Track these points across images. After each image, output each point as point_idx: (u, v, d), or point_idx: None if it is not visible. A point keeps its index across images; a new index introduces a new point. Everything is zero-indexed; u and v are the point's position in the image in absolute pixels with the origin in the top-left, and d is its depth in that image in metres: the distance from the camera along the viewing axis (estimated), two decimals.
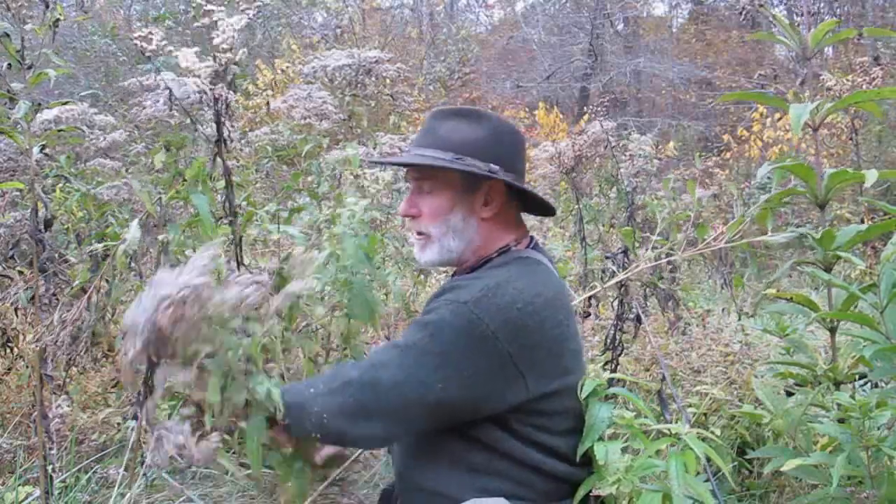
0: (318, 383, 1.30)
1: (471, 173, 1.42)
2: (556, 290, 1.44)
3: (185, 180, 2.01)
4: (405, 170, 1.56)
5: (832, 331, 1.86)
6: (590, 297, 3.36)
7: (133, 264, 2.23)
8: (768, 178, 1.92)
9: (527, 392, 1.35)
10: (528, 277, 1.40)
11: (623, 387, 2.50)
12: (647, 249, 2.33)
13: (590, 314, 3.66)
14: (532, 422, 1.38)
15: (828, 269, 1.81)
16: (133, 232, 1.84)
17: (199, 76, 1.91)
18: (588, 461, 1.44)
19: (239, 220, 2.17)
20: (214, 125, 2.00)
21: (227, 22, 1.93)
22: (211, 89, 1.92)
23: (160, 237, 1.92)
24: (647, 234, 3.81)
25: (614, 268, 2.64)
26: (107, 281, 2.20)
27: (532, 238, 1.55)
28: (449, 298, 1.34)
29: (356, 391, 1.27)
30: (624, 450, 1.44)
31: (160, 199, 2.05)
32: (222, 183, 2.49)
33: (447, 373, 1.28)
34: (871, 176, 1.69)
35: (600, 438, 1.40)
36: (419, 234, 1.48)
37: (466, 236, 1.46)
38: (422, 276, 3.72)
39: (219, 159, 2.04)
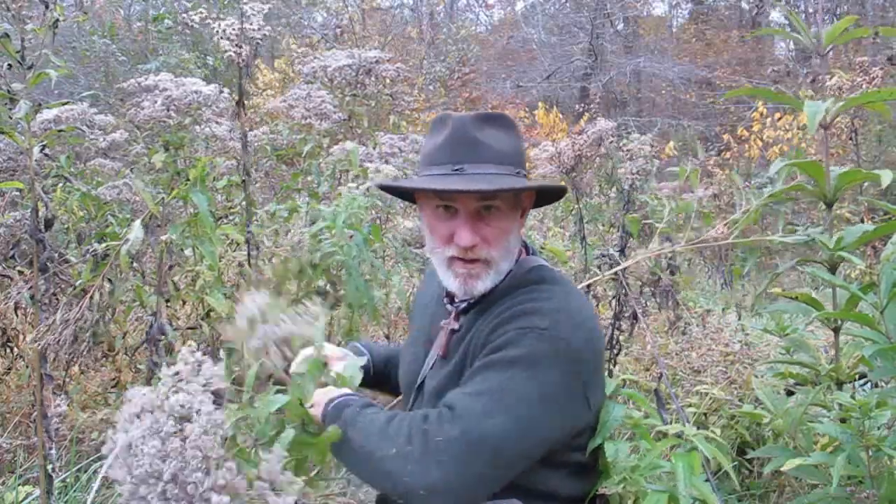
0: (394, 443, 1.12)
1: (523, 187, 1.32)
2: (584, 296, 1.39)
3: (188, 180, 2.02)
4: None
5: (836, 330, 1.86)
6: (588, 286, 3.36)
7: (135, 264, 2.23)
8: (769, 177, 1.93)
9: (589, 412, 1.30)
10: (568, 291, 1.34)
11: (623, 386, 2.50)
12: (652, 243, 2.32)
13: None
14: (570, 443, 1.32)
15: (832, 270, 1.81)
16: (136, 232, 1.84)
17: (228, 38, 1.95)
18: (595, 462, 1.43)
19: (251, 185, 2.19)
20: (237, 87, 2.05)
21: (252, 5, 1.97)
22: (237, 52, 1.94)
23: (163, 237, 1.93)
24: (647, 232, 3.81)
25: (615, 252, 2.63)
26: (109, 280, 2.20)
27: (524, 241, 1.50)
28: (523, 327, 1.22)
29: (466, 448, 1.11)
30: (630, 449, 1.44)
31: (162, 199, 2.05)
32: (222, 182, 2.50)
33: (551, 405, 1.19)
34: (886, 176, 1.67)
35: (611, 437, 1.39)
36: (474, 261, 1.32)
37: (513, 254, 1.37)
38: (422, 276, 3.72)
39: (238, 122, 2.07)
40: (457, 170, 1.29)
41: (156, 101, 2.04)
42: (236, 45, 1.99)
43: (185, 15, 2.04)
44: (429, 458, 1.09)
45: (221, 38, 1.97)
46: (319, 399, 1.23)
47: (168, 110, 2.02)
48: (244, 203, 2.13)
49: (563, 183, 4.20)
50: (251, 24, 1.99)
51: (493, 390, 1.17)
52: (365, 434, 1.15)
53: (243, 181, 2.11)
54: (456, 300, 1.41)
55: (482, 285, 1.32)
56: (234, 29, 1.98)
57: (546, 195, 1.47)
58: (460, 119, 1.33)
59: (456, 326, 1.38)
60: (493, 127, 1.33)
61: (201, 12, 2.06)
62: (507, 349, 1.21)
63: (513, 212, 1.34)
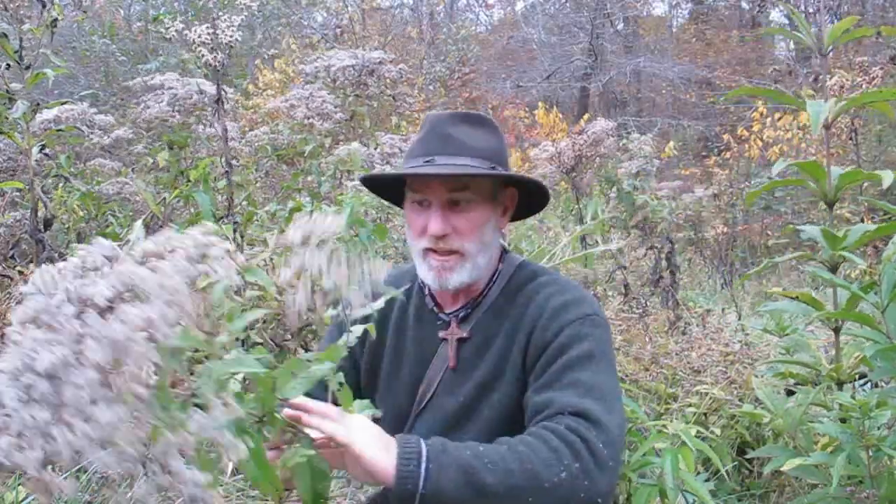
0: (558, 466, 1.05)
1: (500, 182, 1.36)
2: None
3: (189, 180, 2.02)
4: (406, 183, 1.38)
5: (836, 330, 1.86)
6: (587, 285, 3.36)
7: None
8: (769, 177, 1.93)
9: None
10: (560, 276, 1.42)
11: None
12: (646, 248, 2.32)
13: None
14: None
15: (833, 269, 1.82)
16: (137, 232, 1.84)
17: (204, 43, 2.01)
18: None
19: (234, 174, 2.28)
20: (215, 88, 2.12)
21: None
22: (213, 57, 2.00)
23: None
24: (647, 233, 3.81)
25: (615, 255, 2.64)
26: None
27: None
28: (575, 319, 1.27)
29: (616, 448, 1.13)
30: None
31: (164, 198, 2.06)
32: (222, 182, 2.50)
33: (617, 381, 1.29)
34: (887, 177, 1.68)
35: None
36: (449, 252, 1.32)
37: (490, 251, 1.37)
38: None
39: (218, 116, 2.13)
40: (427, 161, 1.32)
41: (161, 100, 2.06)
42: (211, 48, 2.06)
43: (163, 30, 2.14)
44: (601, 468, 1.07)
45: (197, 45, 2.05)
46: (368, 441, 1.01)
47: (173, 109, 2.05)
48: (228, 177, 2.16)
49: (562, 184, 4.21)
50: (223, 31, 2.08)
51: (592, 388, 1.17)
52: (505, 472, 1.04)
53: (226, 172, 2.14)
54: (446, 309, 1.40)
55: (457, 277, 1.32)
56: (207, 35, 2.06)
57: (534, 203, 1.46)
58: (437, 116, 1.38)
59: (465, 335, 1.37)
60: (468, 124, 1.37)
61: (179, 24, 2.15)
62: (578, 345, 1.24)
63: (488, 205, 1.34)
